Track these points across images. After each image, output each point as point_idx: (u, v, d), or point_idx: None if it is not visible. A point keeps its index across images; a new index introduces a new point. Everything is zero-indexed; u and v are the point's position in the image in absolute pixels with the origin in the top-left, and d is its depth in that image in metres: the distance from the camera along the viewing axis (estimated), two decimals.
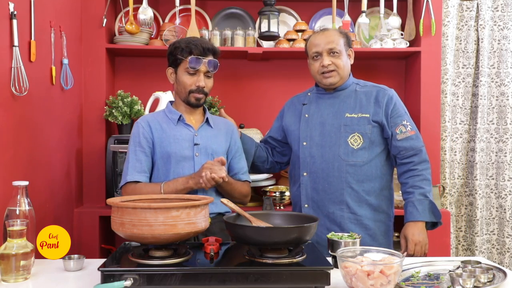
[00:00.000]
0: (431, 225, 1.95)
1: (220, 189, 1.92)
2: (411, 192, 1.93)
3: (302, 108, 2.09)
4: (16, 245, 1.43)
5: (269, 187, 2.89)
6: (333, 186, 1.96)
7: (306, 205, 2.00)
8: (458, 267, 1.54)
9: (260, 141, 2.31)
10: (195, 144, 1.92)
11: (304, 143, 2.01)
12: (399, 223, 2.18)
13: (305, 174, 2.00)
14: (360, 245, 1.56)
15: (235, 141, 2.06)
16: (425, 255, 1.91)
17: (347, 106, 2.00)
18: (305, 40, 2.94)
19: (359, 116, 1.97)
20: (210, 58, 1.91)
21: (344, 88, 2.04)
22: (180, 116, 1.95)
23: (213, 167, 1.78)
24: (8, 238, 1.43)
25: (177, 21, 2.93)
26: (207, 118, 1.99)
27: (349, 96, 2.02)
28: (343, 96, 2.03)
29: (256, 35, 2.97)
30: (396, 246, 2.24)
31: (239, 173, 2.05)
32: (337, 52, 1.97)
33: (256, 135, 2.81)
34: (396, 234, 2.81)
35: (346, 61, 2.01)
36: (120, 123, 2.80)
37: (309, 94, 2.12)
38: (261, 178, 2.75)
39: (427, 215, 1.89)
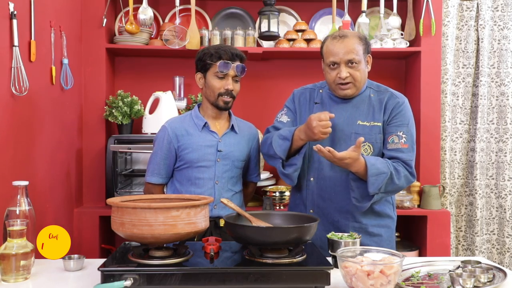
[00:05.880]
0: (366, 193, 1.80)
1: None
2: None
3: (314, 108, 1.99)
4: (16, 245, 1.43)
5: (269, 187, 2.89)
6: (340, 195, 1.90)
7: (311, 210, 1.95)
8: (458, 267, 1.54)
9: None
10: (218, 151, 1.99)
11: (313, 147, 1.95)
12: (399, 223, 2.18)
13: (312, 179, 1.94)
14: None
15: (255, 146, 2.15)
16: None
17: (360, 112, 1.91)
18: (305, 40, 2.94)
19: (371, 125, 1.89)
20: (238, 63, 1.97)
21: (358, 94, 1.94)
22: (206, 123, 2.00)
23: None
24: (8, 238, 1.43)
25: (177, 21, 2.93)
26: (232, 125, 2.05)
27: (362, 102, 1.93)
28: (356, 102, 1.93)
29: (256, 35, 2.97)
30: (398, 246, 2.25)
31: (253, 175, 2.20)
32: (356, 63, 1.84)
33: None
34: (397, 234, 2.81)
35: (364, 71, 1.88)
36: (120, 123, 2.80)
37: (321, 91, 2.01)
38: (261, 178, 2.74)
39: (374, 179, 1.75)
